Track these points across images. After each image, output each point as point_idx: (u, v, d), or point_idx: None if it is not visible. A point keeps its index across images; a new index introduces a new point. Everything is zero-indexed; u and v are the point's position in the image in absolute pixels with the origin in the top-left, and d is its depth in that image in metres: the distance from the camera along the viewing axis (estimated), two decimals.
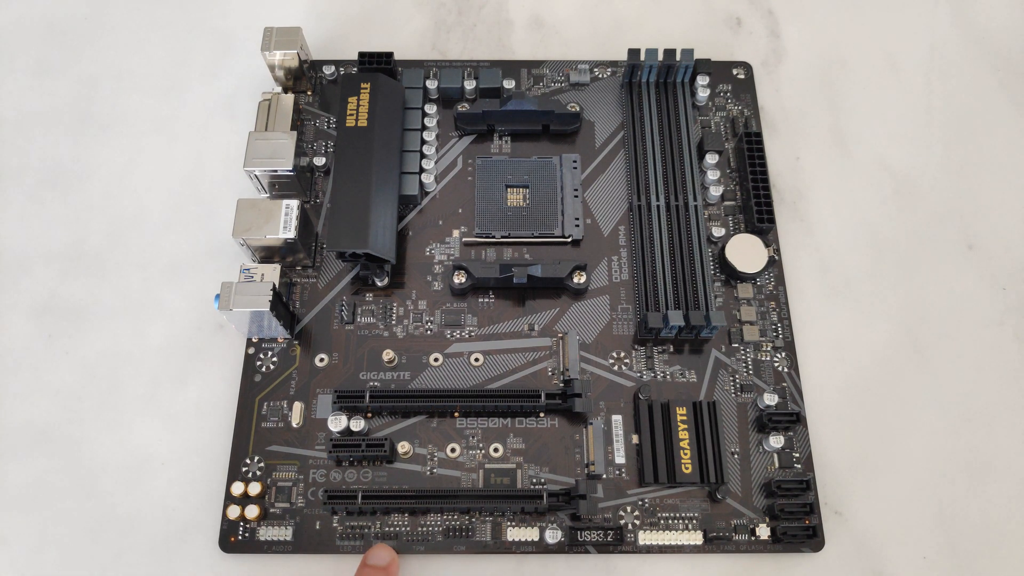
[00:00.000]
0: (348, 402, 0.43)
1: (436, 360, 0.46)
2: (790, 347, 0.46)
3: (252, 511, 0.42)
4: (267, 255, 0.47)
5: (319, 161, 0.50)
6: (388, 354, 0.45)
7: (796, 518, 0.42)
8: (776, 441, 0.44)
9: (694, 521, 0.43)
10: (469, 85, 0.51)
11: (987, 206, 0.51)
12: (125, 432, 0.45)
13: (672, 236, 0.48)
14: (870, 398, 0.46)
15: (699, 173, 0.50)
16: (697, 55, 0.53)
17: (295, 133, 0.47)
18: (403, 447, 0.43)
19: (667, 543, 0.42)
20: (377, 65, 0.51)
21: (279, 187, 0.48)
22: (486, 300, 0.47)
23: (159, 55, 0.55)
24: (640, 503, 0.43)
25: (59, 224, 0.50)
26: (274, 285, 0.43)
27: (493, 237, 0.48)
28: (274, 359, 0.46)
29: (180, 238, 0.50)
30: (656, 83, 0.52)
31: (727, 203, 0.50)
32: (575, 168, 0.50)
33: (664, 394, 0.45)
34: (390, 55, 0.51)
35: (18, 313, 0.48)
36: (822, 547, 0.42)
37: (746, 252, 0.47)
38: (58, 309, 0.48)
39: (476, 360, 0.46)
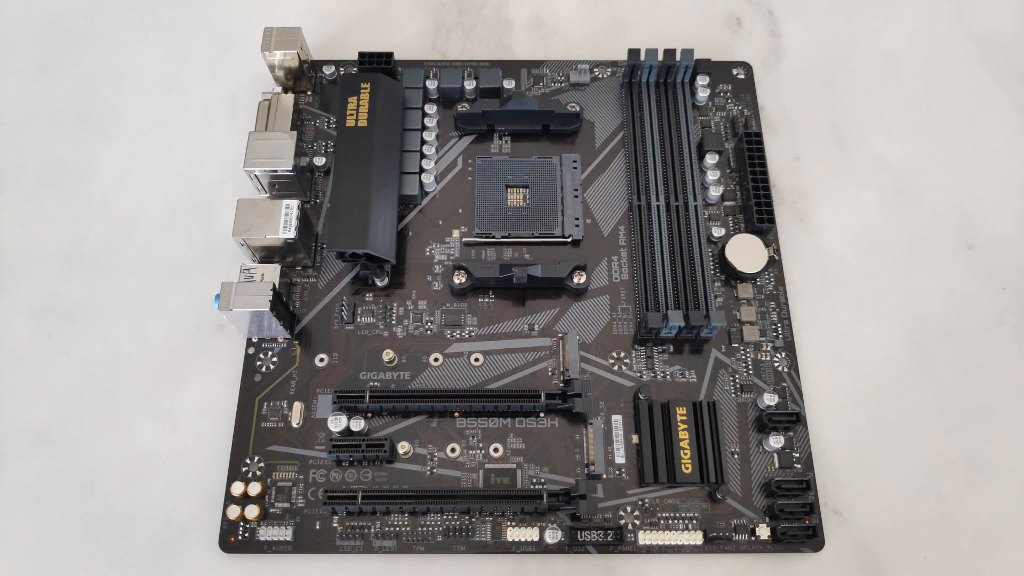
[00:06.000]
0: (348, 402, 0.43)
1: (436, 360, 0.46)
2: (790, 347, 0.46)
3: (252, 511, 0.42)
4: (267, 255, 0.47)
5: (319, 161, 0.50)
6: (388, 354, 0.45)
7: (796, 518, 0.42)
8: (776, 441, 0.44)
9: (694, 521, 0.43)
10: (469, 85, 0.51)
11: (987, 206, 0.51)
12: (125, 432, 0.45)
13: (672, 236, 0.48)
14: (870, 398, 0.46)
15: (699, 173, 0.50)
16: (697, 55, 0.53)
17: (295, 133, 0.47)
18: (403, 447, 0.43)
19: (667, 543, 0.42)
20: (377, 65, 0.51)
21: (279, 187, 0.48)
22: (486, 300, 0.47)
23: (159, 55, 0.55)
24: (640, 503, 0.43)
25: (59, 224, 0.50)
26: (274, 285, 0.43)
27: (493, 237, 0.48)
28: (274, 359, 0.46)
29: (180, 238, 0.50)
30: (656, 83, 0.52)
31: (727, 203, 0.50)
32: (575, 168, 0.50)
33: (664, 394, 0.45)
34: (390, 55, 0.51)
35: (18, 313, 0.48)
36: (822, 547, 0.42)
37: (746, 252, 0.47)
38: (58, 309, 0.48)
39: (476, 360, 0.46)
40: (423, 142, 0.50)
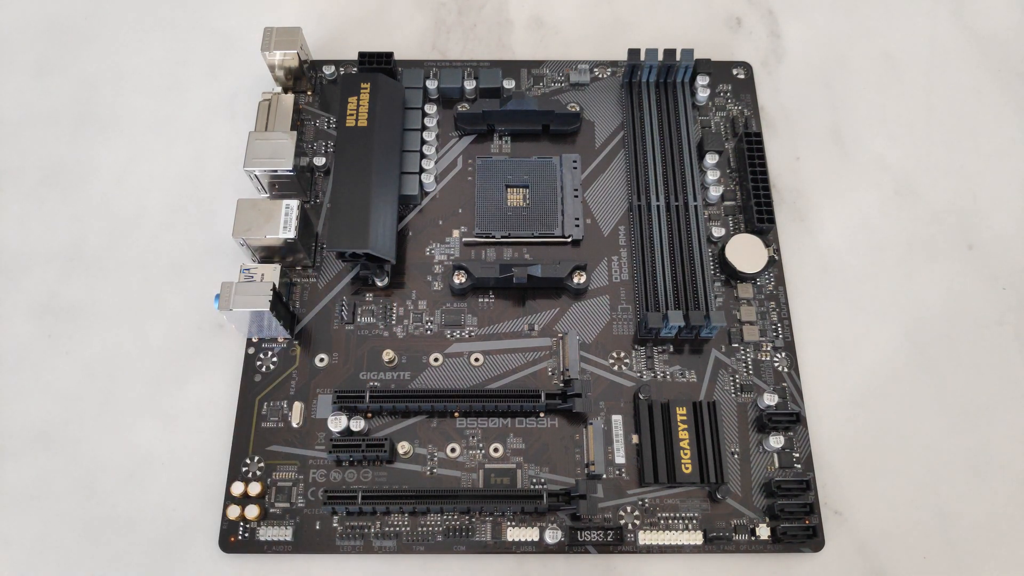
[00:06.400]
0: (348, 402, 0.43)
1: (436, 360, 0.46)
2: (790, 347, 0.46)
3: (252, 511, 0.42)
4: (267, 255, 0.47)
5: (319, 161, 0.50)
6: (388, 354, 0.45)
7: (796, 518, 0.42)
8: (776, 441, 0.44)
9: (694, 521, 0.43)
10: (469, 85, 0.51)
11: (987, 206, 0.51)
12: (125, 432, 0.45)
13: (672, 236, 0.48)
14: (870, 398, 0.46)
15: (699, 173, 0.50)
16: (697, 55, 0.53)
17: (295, 133, 0.47)
18: (403, 447, 0.43)
19: (667, 543, 0.42)
20: (377, 65, 0.51)
21: (279, 187, 0.48)
22: (486, 300, 0.47)
23: (159, 55, 0.55)
24: (640, 503, 0.43)
25: (59, 224, 0.50)
26: (274, 285, 0.43)
27: (493, 237, 0.48)
28: (274, 359, 0.46)
29: (180, 238, 0.50)
30: (656, 83, 0.52)
31: (727, 203, 0.50)
32: (575, 168, 0.50)
33: (664, 394, 0.45)
34: (390, 55, 0.51)
35: (18, 313, 0.48)
36: (822, 547, 0.42)
37: (746, 252, 0.47)
38: (58, 309, 0.48)
39: (476, 360, 0.46)
40: (423, 142, 0.50)
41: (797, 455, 0.44)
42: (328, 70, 0.52)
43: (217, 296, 0.43)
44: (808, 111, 0.53)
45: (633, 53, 0.51)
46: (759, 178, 0.49)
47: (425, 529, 0.42)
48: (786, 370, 0.46)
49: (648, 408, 0.44)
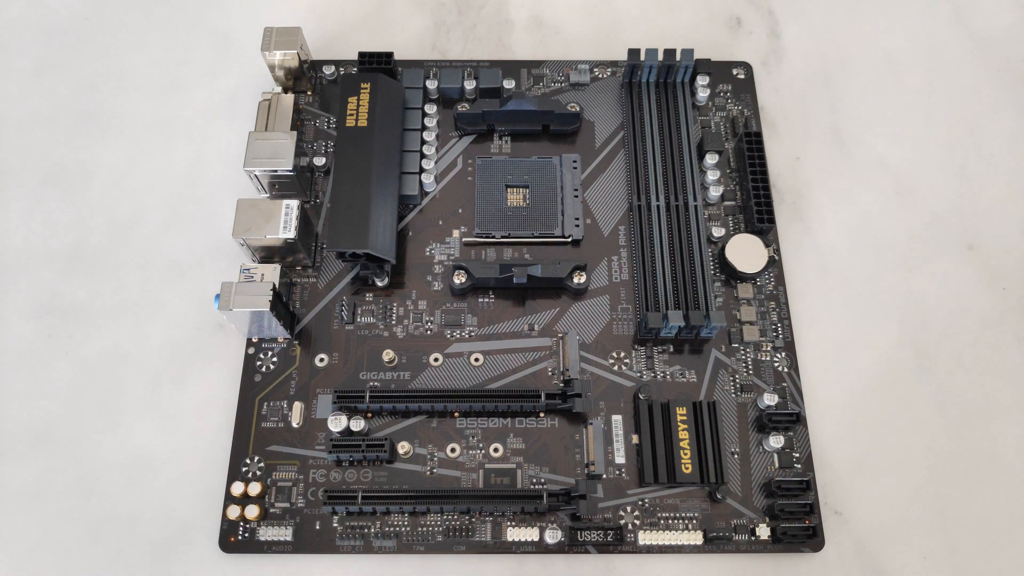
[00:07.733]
0: (348, 402, 0.43)
1: (436, 360, 0.46)
2: (790, 347, 0.46)
3: (252, 511, 0.42)
4: (267, 255, 0.47)
5: (319, 161, 0.50)
6: (388, 354, 0.45)
7: (796, 518, 0.42)
8: (776, 441, 0.44)
9: (694, 521, 0.43)
10: (469, 85, 0.51)
11: (987, 206, 0.51)
12: (125, 432, 0.45)
13: (672, 236, 0.48)
14: (870, 398, 0.46)
15: (699, 173, 0.50)
16: (697, 55, 0.53)
17: (295, 133, 0.47)
18: (403, 447, 0.43)
19: (667, 543, 0.42)
20: (377, 65, 0.51)
21: (279, 187, 0.48)
22: (486, 300, 0.47)
23: (159, 55, 0.55)
24: (640, 503, 0.43)
25: (59, 224, 0.50)
26: (274, 285, 0.43)
27: (493, 237, 0.48)
28: (274, 359, 0.46)
29: (180, 238, 0.50)
30: (656, 83, 0.52)
31: (727, 203, 0.50)
32: (575, 168, 0.50)
33: (664, 394, 0.45)
34: (390, 55, 0.51)
35: (18, 313, 0.48)
36: (822, 547, 0.42)
37: (746, 252, 0.47)
38: (58, 309, 0.48)
39: (476, 360, 0.46)
40: (423, 142, 0.50)
41: (797, 455, 0.44)
42: (328, 70, 0.52)
43: (217, 296, 0.43)
44: (808, 111, 0.53)
45: (633, 53, 0.51)
46: (759, 178, 0.49)
47: (425, 529, 0.42)
48: (786, 370, 0.46)
49: (648, 408, 0.44)
